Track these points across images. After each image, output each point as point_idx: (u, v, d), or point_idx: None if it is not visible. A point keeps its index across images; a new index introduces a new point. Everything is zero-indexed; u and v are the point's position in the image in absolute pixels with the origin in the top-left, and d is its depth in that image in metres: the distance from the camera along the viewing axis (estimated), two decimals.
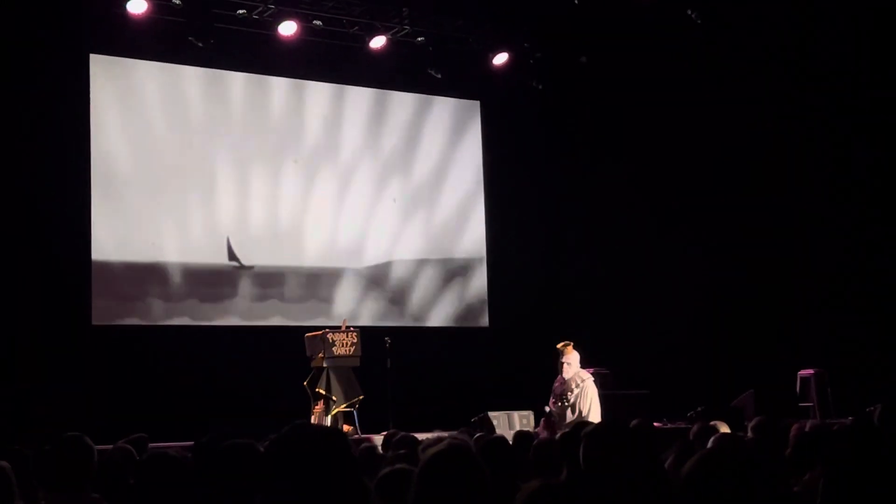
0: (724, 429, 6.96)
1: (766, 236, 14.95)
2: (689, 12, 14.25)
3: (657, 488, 3.13)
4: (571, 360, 11.24)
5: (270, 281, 15.08)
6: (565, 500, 2.50)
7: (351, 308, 15.29)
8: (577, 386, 11.35)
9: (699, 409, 12.20)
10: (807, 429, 5.98)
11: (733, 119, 15.18)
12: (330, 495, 2.25)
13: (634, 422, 6.20)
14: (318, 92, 15.84)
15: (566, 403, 11.27)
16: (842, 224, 14.17)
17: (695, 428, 7.22)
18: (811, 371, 13.18)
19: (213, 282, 14.66)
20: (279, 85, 15.52)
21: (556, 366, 11.73)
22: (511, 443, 7.55)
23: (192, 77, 14.81)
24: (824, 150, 14.45)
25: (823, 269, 14.29)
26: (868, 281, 13.84)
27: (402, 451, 5.10)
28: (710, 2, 14.51)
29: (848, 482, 3.01)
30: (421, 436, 7.28)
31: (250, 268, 14.74)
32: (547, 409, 11.62)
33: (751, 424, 6.76)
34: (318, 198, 15.62)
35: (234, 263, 14.68)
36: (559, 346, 11.22)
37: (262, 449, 3.51)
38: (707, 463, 2.33)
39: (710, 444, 4.83)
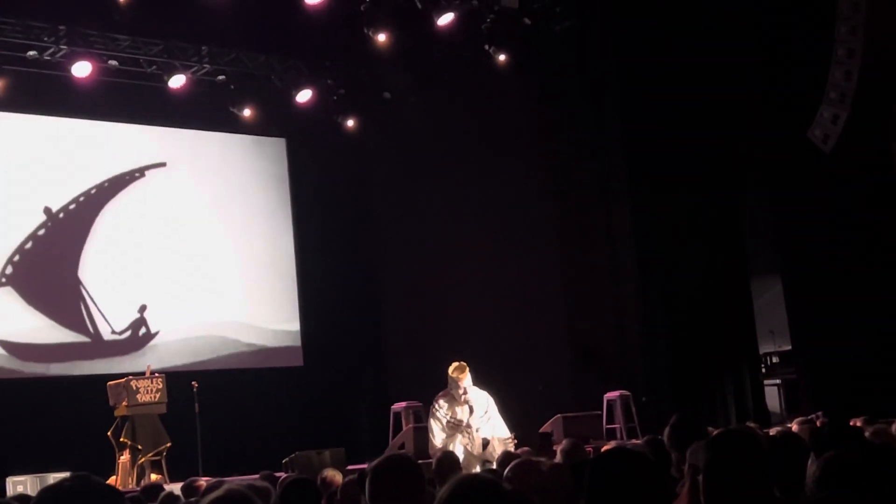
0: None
1: (578, 259, 15.22)
2: (487, 47, 14.52)
3: None
4: (469, 384, 9.60)
5: None
6: None
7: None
8: (485, 411, 9.70)
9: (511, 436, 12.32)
10: (602, 450, 6.16)
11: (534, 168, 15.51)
12: None
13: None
14: (120, 133, 15.56)
15: (472, 430, 9.60)
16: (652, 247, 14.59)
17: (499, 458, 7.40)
18: (616, 393, 13.51)
19: None
20: (79, 127, 15.18)
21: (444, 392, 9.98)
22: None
23: None
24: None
25: (631, 294, 14.68)
26: (677, 302, 14.35)
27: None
28: (514, 42, 14.75)
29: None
30: (232, 480, 7.08)
31: None
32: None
33: (559, 448, 6.99)
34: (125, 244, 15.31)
35: None
36: (453, 370, 9.57)
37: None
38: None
39: (506, 472, 4.87)
